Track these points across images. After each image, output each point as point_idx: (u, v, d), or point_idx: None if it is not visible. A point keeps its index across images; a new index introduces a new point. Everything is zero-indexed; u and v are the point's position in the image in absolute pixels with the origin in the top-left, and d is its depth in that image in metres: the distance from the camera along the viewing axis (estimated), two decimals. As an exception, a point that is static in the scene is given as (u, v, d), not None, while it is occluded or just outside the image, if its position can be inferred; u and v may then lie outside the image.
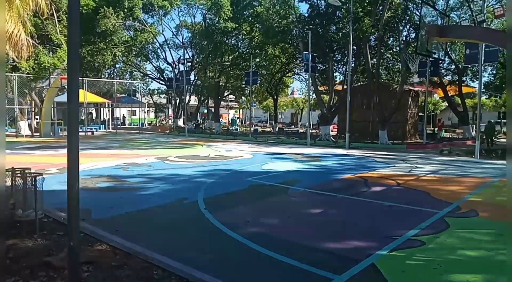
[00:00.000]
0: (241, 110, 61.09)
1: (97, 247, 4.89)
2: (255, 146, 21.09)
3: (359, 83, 27.56)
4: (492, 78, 41.54)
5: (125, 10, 32.32)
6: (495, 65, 30.63)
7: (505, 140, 24.85)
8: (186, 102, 34.28)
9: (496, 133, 22.92)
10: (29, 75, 26.83)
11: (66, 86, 24.79)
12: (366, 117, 26.21)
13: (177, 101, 39.44)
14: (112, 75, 43.18)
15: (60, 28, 26.24)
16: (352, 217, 6.54)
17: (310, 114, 24.45)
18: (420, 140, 25.06)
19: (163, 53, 40.64)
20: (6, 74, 23.30)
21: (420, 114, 28.92)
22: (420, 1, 15.45)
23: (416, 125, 27.80)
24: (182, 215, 6.54)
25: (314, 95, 26.27)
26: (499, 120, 38.67)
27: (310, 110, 24.25)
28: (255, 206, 7.27)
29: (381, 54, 23.85)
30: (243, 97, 46.31)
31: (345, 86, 24.09)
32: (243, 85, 37.44)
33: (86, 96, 30.68)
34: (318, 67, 24.80)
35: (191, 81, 36.60)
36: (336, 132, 28.93)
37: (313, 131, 27.60)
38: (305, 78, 38.37)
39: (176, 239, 5.29)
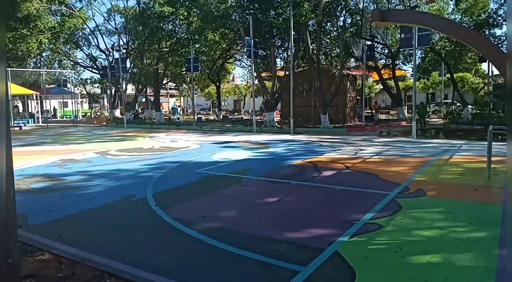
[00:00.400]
0: (182, 98, 59.62)
1: (38, 257, 4.38)
2: (200, 135, 20.64)
3: (299, 69, 27.92)
4: (420, 61, 44.16)
5: (50, -7, 29.92)
6: (424, 49, 32.48)
7: (435, 120, 26.61)
8: (123, 91, 32.67)
9: (427, 114, 24.43)
10: None
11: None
12: (307, 102, 26.74)
13: (113, 90, 37.56)
14: (39, 65, 40.07)
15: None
16: (308, 204, 6.50)
17: (254, 101, 24.37)
18: (359, 123, 26.06)
19: (95, 40, 38.30)
20: None
21: (358, 97, 30.05)
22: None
23: (354, 108, 28.88)
24: (131, 214, 6.10)
25: (257, 82, 26.19)
26: (427, 102, 41.36)
27: (254, 97, 24.15)
28: (209, 199, 6.99)
29: (321, 39, 24.24)
30: (184, 85, 45.13)
31: (286, 72, 24.24)
32: (184, 72, 36.43)
33: (10, 88, 28.15)
34: (260, 53, 24.69)
35: (127, 69, 34.87)
36: (279, 118, 29.22)
37: (257, 118, 27.63)
38: (247, 65, 38.13)
39: (128, 241, 4.89)
